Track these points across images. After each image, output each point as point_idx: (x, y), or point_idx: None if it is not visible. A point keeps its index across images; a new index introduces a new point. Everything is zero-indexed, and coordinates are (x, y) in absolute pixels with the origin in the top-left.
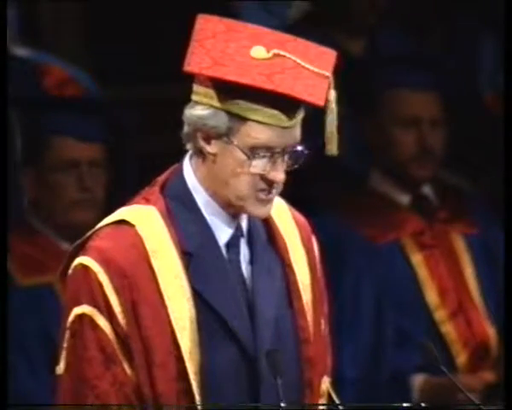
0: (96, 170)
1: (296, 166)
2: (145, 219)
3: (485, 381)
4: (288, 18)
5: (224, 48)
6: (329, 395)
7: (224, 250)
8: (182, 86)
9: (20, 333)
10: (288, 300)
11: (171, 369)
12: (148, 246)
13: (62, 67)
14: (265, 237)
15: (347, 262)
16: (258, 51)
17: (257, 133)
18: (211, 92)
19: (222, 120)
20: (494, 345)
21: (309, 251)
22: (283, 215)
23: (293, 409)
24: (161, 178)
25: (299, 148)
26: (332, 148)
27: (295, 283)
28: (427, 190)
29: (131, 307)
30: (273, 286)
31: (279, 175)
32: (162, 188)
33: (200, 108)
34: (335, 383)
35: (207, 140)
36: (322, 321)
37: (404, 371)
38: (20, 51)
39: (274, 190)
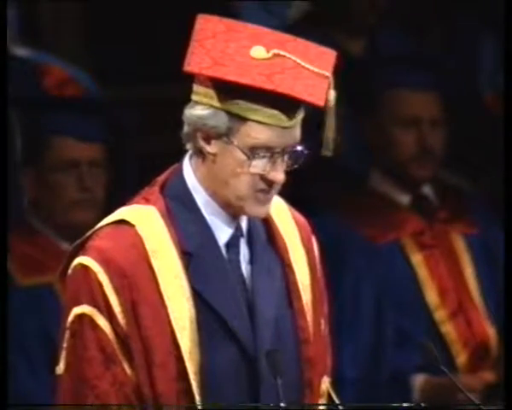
0: (96, 170)
1: (296, 167)
2: (145, 219)
3: (485, 381)
4: (288, 18)
5: (223, 48)
6: (329, 395)
7: (223, 250)
8: (182, 86)
9: (20, 333)
10: (287, 300)
11: (171, 369)
12: (148, 246)
13: (62, 67)
14: (265, 237)
15: (347, 262)
16: (258, 51)
17: (257, 133)
18: (211, 92)
19: (222, 120)
20: (494, 345)
21: (309, 251)
22: (283, 215)
23: (293, 409)
24: (161, 178)
25: (299, 148)
26: (328, 149)
27: (295, 283)
28: (427, 190)
29: (131, 307)
30: (273, 286)
31: (279, 175)
32: (162, 188)
33: (200, 108)
34: (335, 383)
35: (207, 140)
36: (322, 321)
37: (404, 371)
38: (20, 51)
39: (273, 191)
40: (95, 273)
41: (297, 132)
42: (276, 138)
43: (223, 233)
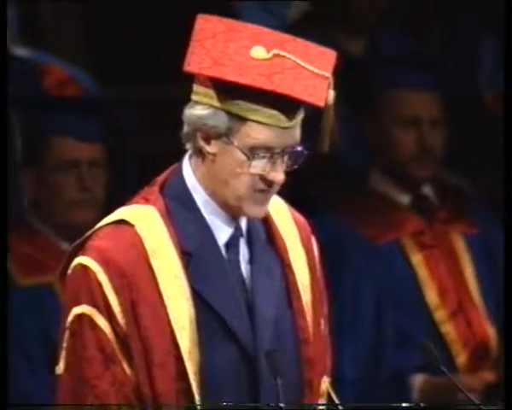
0: (96, 170)
1: (296, 167)
2: (144, 218)
3: (485, 381)
4: (288, 18)
5: (223, 48)
6: (329, 395)
7: (223, 250)
8: (182, 86)
9: (20, 333)
10: (287, 300)
11: (171, 369)
12: (148, 246)
13: (62, 67)
14: (265, 236)
15: (347, 262)
16: (258, 51)
17: (256, 133)
18: (211, 92)
19: (222, 120)
20: (494, 345)
21: (308, 251)
22: (283, 215)
23: (293, 409)
24: (161, 178)
25: (299, 148)
26: (324, 146)
27: (295, 283)
28: (427, 190)
29: (131, 307)
30: (272, 286)
31: (279, 175)
32: (161, 188)
33: (200, 108)
34: (335, 383)
35: (207, 140)
36: (322, 321)
37: (404, 371)
38: (20, 51)
39: (271, 191)
40: (94, 273)
41: (297, 133)
42: (276, 139)
43: (222, 233)
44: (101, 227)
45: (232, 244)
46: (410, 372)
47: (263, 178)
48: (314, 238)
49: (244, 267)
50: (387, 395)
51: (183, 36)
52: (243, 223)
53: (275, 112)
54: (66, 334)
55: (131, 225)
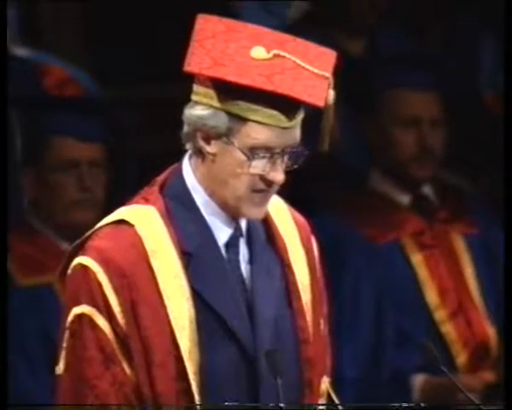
0: (96, 170)
1: (295, 167)
2: (144, 218)
3: (485, 381)
4: (288, 18)
5: (223, 48)
6: (329, 395)
7: (223, 250)
8: (182, 86)
9: (20, 333)
10: (287, 300)
11: (171, 369)
12: (148, 246)
13: (62, 67)
14: (265, 237)
15: (347, 262)
16: (259, 52)
17: (257, 134)
18: (211, 92)
19: (222, 121)
20: (494, 345)
21: (308, 251)
22: (283, 215)
23: (293, 409)
24: (160, 178)
25: (299, 148)
26: (325, 145)
27: (294, 283)
28: (427, 190)
29: (131, 307)
30: (272, 286)
31: (278, 176)
32: (161, 188)
33: (200, 108)
34: (335, 383)
35: (207, 140)
36: (322, 321)
37: (404, 371)
38: (20, 51)
39: (271, 192)
40: (94, 273)
41: (297, 133)
42: (276, 139)
43: (222, 233)
44: (100, 227)
45: (232, 244)
46: (411, 372)
47: (263, 178)
48: (314, 238)
49: (244, 267)
50: (387, 395)
51: (183, 36)
52: (243, 223)
53: (275, 112)
54: (66, 334)
55: (131, 225)
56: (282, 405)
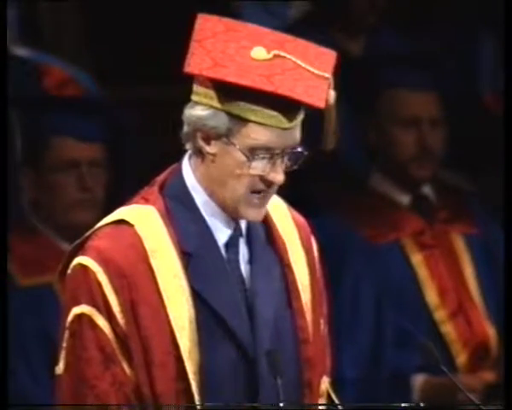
0: (96, 170)
1: (295, 167)
2: (144, 218)
3: (485, 381)
4: (289, 18)
5: (224, 48)
6: (329, 396)
7: (223, 250)
8: (182, 86)
9: (20, 333)
10: (287, 300)
11: (171, 369)
12: (147, 246)
13: (62, 67)
14: (264, 237)
15: (347, 262)
16: (259, 52)
17: (256, 134)
18: (211, 93)
19: (222, 121)
20: (494, 345)
21: (308, 251)
22: (282, 215)
23: (293, 409)
24: (160, 178)
25: (299, 149)
26: (329, 143)
27: (294, 283)
28: (427, 190)
29: (130, 307)
30: (272, 286)
31: (278, 176)
32: (161, 188)
33: (200, 109)
34: (335, 383)
35: (207, 140)
36: (322, 321)
37: (404, 371)
38: (20, 51)
39: (269, 193)
40: (94, 273)
41: (297, 134)
42: (276, 139)
43: (222, 233)
44: (100, 227)
45: (232, 244)
46: (411, 372)
47: (263, 179)
48: (314, 238)
49: (244, 267)
50: (387, 395)
51: (183, 36)
52: (243, 223)
53: (275, 113)
54: (66, 334)
55: (131, 225)
56: (282, 405)
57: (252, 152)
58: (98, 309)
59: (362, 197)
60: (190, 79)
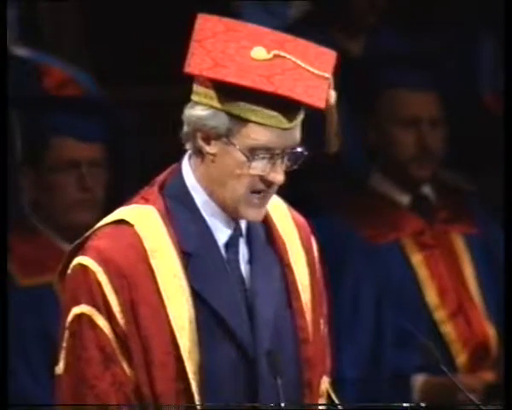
0: (96, 170)
1: (295, 167)
2: (144, 218)
3: (485, 381)
4: (289, 18)
5: (224, 48)
6: (329, 396)
7: (222, 250)
8: (182, 86)
9: (20, 333)
10: (286, 300)
11: (171, 369)
12: (147, 245)
13: (62, 67)
14: (264, 237)
15: (347, 262)
16: (259, 52)
17: (257, 135)
18: (211, 93)
19: (222, 121)
20: (494, 345)
21: (308, 251)
22: (282, 215)
23: (293, 409)
24: (160, 178)
25: (299, 149)
26: (332, 146)
27: (294, 283)
28: (427, 190)
29: (130, 307)
30: (272, 286)
31: (278, 176)
32: (161, 187)
33: (200, 109)
34: (335, 383)
35: (207, 140)
36: (322, 321)
37: (404, 372)
38: (20, 51)
39: (269, 193)
40: (94, 273)
41: (297, 134)
42: (276, 140)
43: (222, 233)
44: (100, 227)
45: (232, 244)
46: (411, 372)
47: (262, 179)
48: (314, 238)
49: (244, 267)
50: (388, 396)
51: (183, 36)
52: (243, 223)
53: (275, 113)
54: (66, 334)
55: (131, 225)
56: (282, 405)
57: (252, 152)
58: (98, 309)
59: (362, 197)
60: (190, 79)
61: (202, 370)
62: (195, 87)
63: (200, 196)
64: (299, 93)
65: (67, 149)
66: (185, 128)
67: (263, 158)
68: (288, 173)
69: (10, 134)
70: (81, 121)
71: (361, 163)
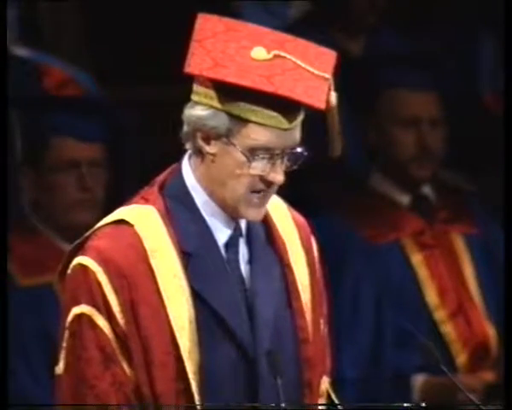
0: (96, 170)
1: (295, 168)
2: (144, 218)
3: (485, 381)
4: (289, 18)
5: (224, 48)
6: (329, 396)
7: (222, 250)
8: (182, 86)
9: (20, 333)
10: (286, 300)
11: (171, 369)
12: (147, 245)
13: (62, 67)
14: (264, 237)
15: (347, 262)
16: (259, 52)
17: (256, 135)
18: (211, 93)
19: (222, 121)
20: (494, 345)
21: (308, 251)
22: (282, 215)
23: (293, 409)
24: (160, 178)
25: (299, 149)
26: (336, 148)
27: (294, 283)
28: (427, 190)
29: (130, 307)
30: (272, 286)
31: (278, 176)
32: (161, 187)
33: (200, 109)
34: (335, 383)
35: (207, 140)
36: (322, 321)
37: (404, 372)
38: (20, 51)
39: (269, 193)
40: (94, 273)
41: (297, 134)
42: (276, 140)
43: (222, 233)
44: (100, 227)
45: (232, 244)
46: (411, 372)
47: (262, 179)
48: (314, 238)
49: (243, 267)
50: (388, 395)
51: (183, 36)
52: (243, 223)
53: (275, 113)
54: (66, 334)
55: (131, 225)
56: (282, 405)
57: (252, 152)
58: (98, 309)
59: (362, 197)
60: (190, 79)
61: (202, 370)
62: (195, 87)
63: (200, 196)
64: (299, 94)
65: (67, 149)
66: (185, 128)
67: (263, 158)
68: (287, 173)
69: (10, 134)
70: (81, 121)
71: (361, 163)
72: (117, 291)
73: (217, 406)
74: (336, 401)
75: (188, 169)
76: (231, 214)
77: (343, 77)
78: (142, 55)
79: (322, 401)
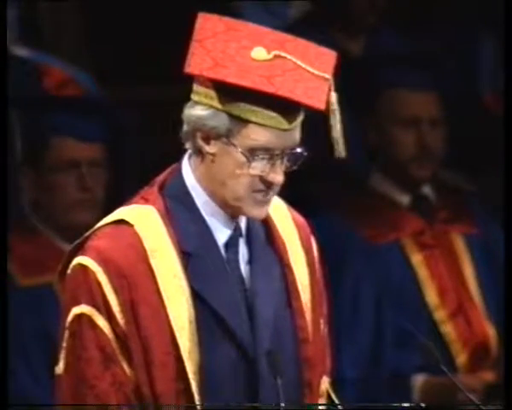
0: (96, 170)
1: (295, 168)
2: (144, 218)
3: (485, 381)
4: (289, 18)
5: (224, 48)
6: (329, 396)
7: (222, 250)
8: (182, 86)
9: (20, 333)
10: (286, 300)
11: (171, 369)
12: (147, 245)
13: (62, 67)
14: (264, 237)
15: (347, 262)
16: (259, 52)
17: (256, 135)
18: (211, 93)
19: (222, 121)
20: (494, 345)
21: (308, 251)
22: (282, 215)
23: (293, 409)
24: (160, 178)
25: (299, 150)
26: (339, 150)
27: (294, 283)
28: (427, 190)
29: (130, 307)
30: (272, 286)
31: (278, 177)
32: (161, 187)
33: (200, 109)
34: (335, 383)
35: (207, 140)
36: (322, 321)
37: (404, 372)
38: (20, 51)
39: (271, 192)
40: (94, 273)
41: (297, 135)
42: (276, 140)
43: (222, 233)
44: (100, 227)
45: (231, 244)
46: (411, 372)
47: (262, 179)
48: (314, 238)
49: (243, 267)
50: (388, 396)
51: (183, 36)
52: (243, 223)
53: (275, 114)
54: (66, 334)
55: (131, 225)
56: (282, 405)
57: (251, 153)
58: (98, 309)
59: (362, 197)
60: (190, 79)
61: (202, 370)
62: (195, 87)
63: (199, 196)
64: (299, 94)
65: (67, 149)
66: (185, 127)
67: (262, 158)
68: (287, 173)
69: (10, 134)
70: (81, 121)
71: (361, 163)
72: (117, 291)
73: (217, 406)
74: (336, 401)
75: (188, 169)
76: (232, 214)
77: (343, 77)
78: (142, 55)
79: (322, 401)
